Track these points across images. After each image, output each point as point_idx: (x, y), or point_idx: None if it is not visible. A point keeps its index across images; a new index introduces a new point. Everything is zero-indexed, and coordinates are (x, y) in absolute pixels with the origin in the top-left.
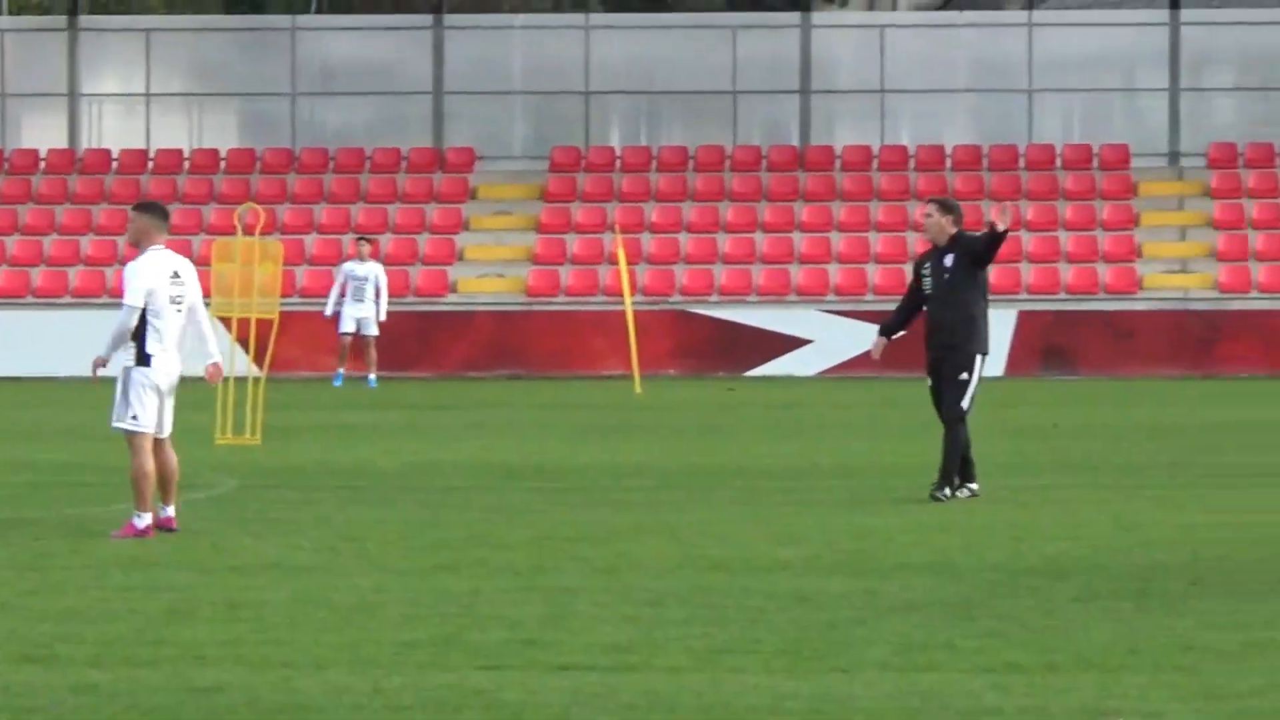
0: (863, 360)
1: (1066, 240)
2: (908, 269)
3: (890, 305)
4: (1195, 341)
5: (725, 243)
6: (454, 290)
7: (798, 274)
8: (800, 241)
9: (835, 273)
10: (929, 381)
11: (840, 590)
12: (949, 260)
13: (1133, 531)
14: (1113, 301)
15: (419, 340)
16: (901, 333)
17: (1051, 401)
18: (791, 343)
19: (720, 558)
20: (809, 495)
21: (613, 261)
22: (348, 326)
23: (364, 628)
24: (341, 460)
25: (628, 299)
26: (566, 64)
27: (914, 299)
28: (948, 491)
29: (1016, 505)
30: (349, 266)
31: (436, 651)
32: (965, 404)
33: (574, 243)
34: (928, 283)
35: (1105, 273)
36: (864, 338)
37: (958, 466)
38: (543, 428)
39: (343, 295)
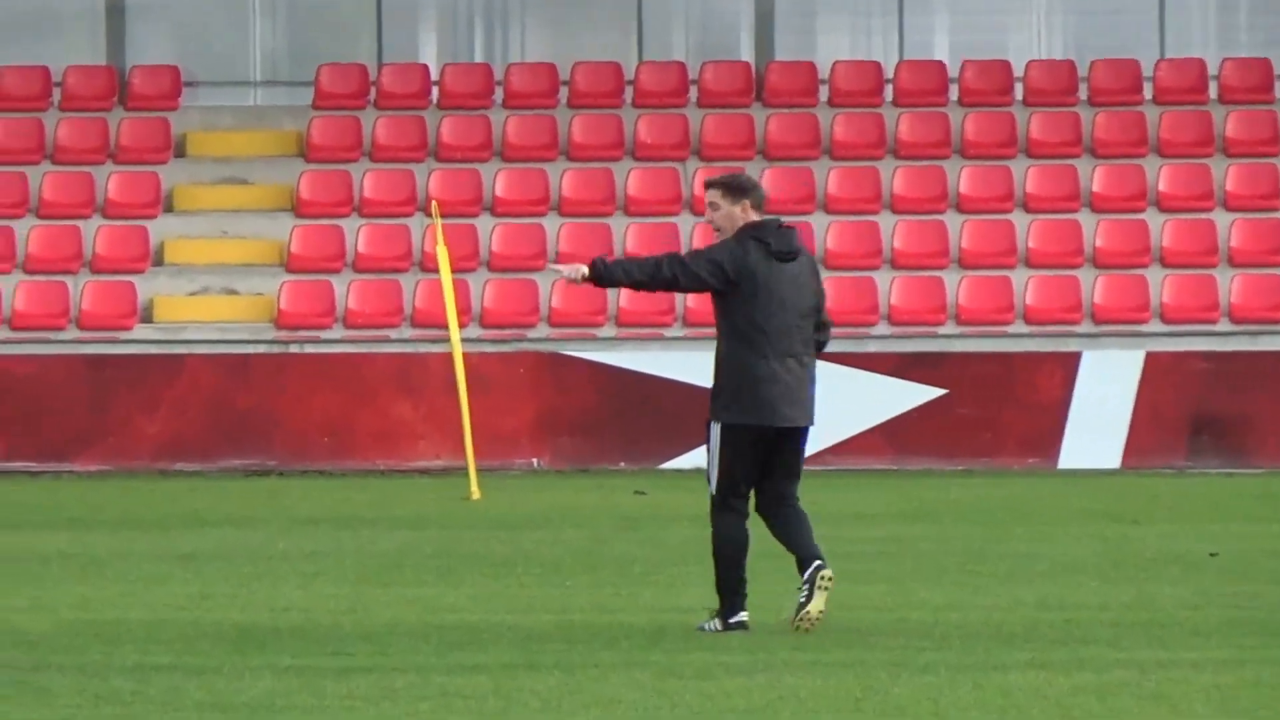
0: (877, 441)
1: (1227, 230)
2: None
3: (910, 345)
4: None
5: (626, 231)
6: (147, 318)
7: None
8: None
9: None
10: None
11: None
12: None
13: None
14: None
15: (88, 405)
16: None
17: (1203, 510)
18: None
19: None
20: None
21: (428, 267)
22: None
23: None
24: None
25: (454, 332)
26: None
27: None
28: (714, 624)
29: (1151, 698)
30: None
31: None
32: (711, 486)
33: (360, 233)
34: None
35: None
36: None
37: (727, 581)
38: (308, 563)
39: None
